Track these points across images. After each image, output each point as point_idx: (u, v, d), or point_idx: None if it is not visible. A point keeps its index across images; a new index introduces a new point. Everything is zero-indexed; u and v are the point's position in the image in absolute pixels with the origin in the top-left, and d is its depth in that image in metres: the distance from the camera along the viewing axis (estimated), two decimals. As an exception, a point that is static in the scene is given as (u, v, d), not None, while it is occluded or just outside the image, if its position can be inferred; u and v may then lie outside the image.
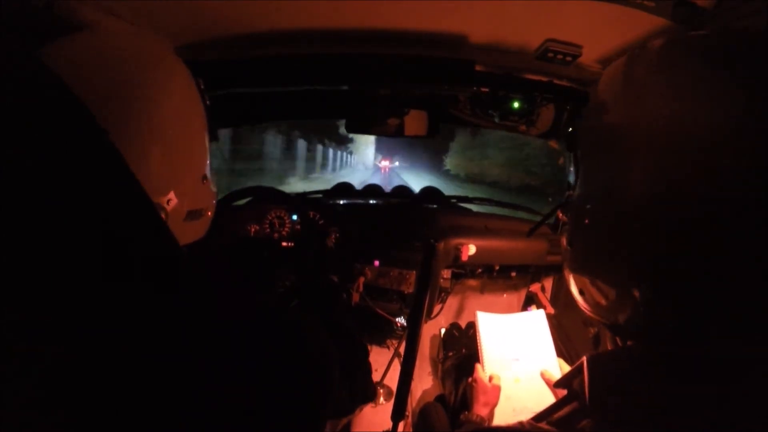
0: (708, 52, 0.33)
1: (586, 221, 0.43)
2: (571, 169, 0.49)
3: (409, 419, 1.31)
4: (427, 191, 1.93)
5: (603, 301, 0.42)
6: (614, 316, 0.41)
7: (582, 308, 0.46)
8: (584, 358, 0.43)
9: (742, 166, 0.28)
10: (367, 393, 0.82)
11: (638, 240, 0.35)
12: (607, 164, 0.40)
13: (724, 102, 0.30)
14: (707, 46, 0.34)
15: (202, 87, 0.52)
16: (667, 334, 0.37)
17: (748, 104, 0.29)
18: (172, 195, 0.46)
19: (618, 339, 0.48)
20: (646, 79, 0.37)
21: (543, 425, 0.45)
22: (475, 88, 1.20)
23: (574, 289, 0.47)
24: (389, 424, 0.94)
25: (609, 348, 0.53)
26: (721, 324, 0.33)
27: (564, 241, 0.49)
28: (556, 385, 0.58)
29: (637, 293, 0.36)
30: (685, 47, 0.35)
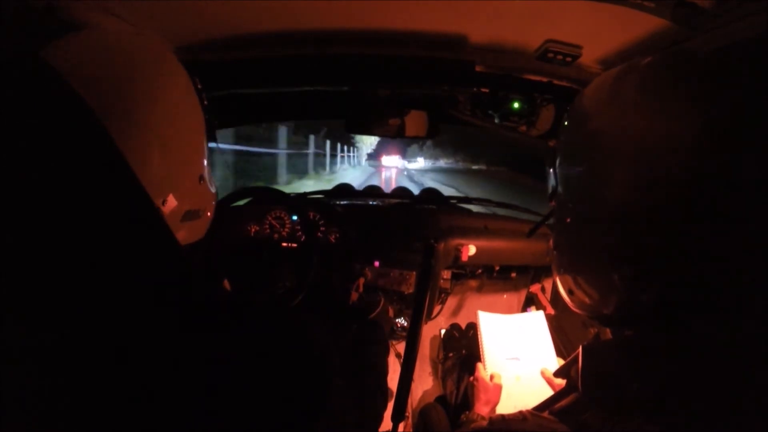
0: (683, 76, 0.37)
1: (568, 220, 0.46)
2: (551, 171, 0.52)
3: (409, 420, 1.31)
4: (427, 191, 1.94)
5: (590, 296, 0.44)
6: (602, 308, 0.43)
7: (572, 308, 0.47)
8: (580, 347, 0.45)
9: (708, 169, 0.33)
10: (377, 400, 0.79)
11: (616, 233, 0.38)
12: (588, 167, 0.43)
13: (691, 120, 0.34)
14: (683, 70, 0.37)
15: (200, 86, 0.52)
16: (650, 318, 0.39)
17: (708, 123, 0.33)
18: (168, 195, 0.46)
19: (612, 333, 0.50)
20: (628, 96, 0.41)
21: (544, 415, 0.46)
22: (475, 89, 1.19)
23: (563, 291, 0.49)
24: (389, 425, 0.94)
25: None
26: (698, 305, 0.35)
27: (551, 244, 0.52)
28: (555, 374, 0.60)
29: (617, 281, 0.39)
30: (665, 71, 0.39)
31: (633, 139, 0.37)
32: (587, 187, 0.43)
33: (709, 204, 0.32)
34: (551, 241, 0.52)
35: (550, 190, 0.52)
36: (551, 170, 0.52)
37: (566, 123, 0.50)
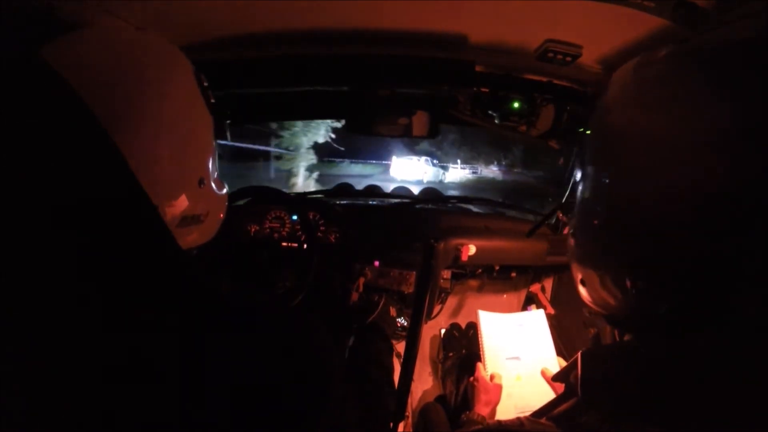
0: (710, 66, 0.34)
1: (595, 222, 0.44)
2: (576, 167, 0.50)
3: (410, 419, 1.31)
4: (427, 191, 1.94)
5: (602, 293, 0.43)
6: (614, 310, 0.42)
7: (584, 300, 0.47)
8: (579, 352, 0.44)
9: (732, 172, 0.31)
10: (378, 400, 0.77)
11: (636, 236, 0.37)
12: (612, 166, 0.41)
13: (719, 115, 0.32)
14: (708, 59, 0.35)
15: (206, 84, 0.50)
16: (660, 325, 0.38)
17: (739, 118, 0.31)
18: (168, 198, 0.44)
19: (616, 334, 0.49)
20: (651, 89, 0.38)
21: (542, 421, 0.45)
22: (475, 89, 1.20)
23: (576, 279, 0.48)
24: (390, 425, 0.94)
25: None
26: (715, 319, 0.34)
27: (566, 231, 0.50)
28: (554, 379, 0.59)
29: (634, 288, 0.38)
30: (690, 60, 0.36)
31: (661, 135, 0.35)
32: (613, 191, 0.41)
33: (745, 215, 0.30)
34: (567, 228, 0.50)
35: (577, 177, 0.50)
36: (577, 162, 0.49)
37: (592, 119, 0.47)
